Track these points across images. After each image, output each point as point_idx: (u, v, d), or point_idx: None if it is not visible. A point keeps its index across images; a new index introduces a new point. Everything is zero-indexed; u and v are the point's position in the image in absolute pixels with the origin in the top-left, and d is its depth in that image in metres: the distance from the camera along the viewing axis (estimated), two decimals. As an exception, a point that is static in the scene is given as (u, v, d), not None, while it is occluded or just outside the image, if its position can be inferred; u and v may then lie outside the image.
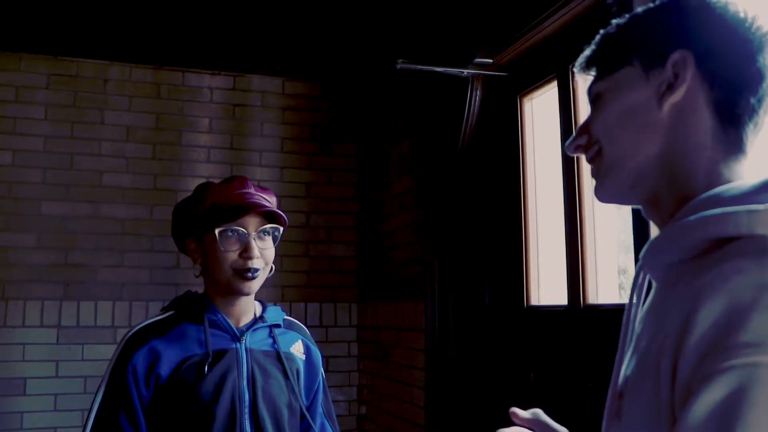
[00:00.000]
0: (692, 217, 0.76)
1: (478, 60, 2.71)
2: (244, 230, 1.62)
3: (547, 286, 2.59)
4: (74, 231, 3.70)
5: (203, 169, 3.92)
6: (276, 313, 1.79)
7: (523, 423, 1.10)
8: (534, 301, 2.61)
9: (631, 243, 2.03)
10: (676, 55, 0.83)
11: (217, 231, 1.60)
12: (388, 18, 3.32)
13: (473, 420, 2.75)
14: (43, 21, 3.44)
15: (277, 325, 1.77)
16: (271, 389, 1.66)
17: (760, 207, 0.71)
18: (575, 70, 0.98)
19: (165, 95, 3.93)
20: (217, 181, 1.76)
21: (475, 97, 2.76)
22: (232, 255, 1.62)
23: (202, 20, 3.45)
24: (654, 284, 0.86)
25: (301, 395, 1.74)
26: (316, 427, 1.78)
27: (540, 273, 2.62)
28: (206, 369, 1.59)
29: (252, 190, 1.70)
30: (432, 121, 3.16)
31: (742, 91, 0.82)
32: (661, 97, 0.84)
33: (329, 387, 1.92)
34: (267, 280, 1.69)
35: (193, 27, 3.53)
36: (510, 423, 1.12)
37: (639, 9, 0.92)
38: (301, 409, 1.72)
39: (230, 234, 1.62)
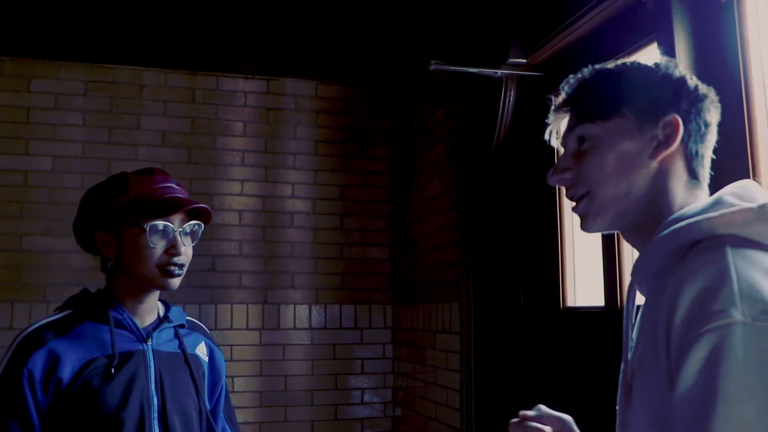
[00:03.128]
0: (665, 232, 0.97)
1: (512, 60, 2.69)
2: (172, 226, 1.56)
3: (583, 288, 2.57)
4: (112, 235, 3.75)
5: (238, 173, 3.96)
6: (179, 314, 1.72)
7: (533, 420, 1.31)
8: (570, 302, 2.59)
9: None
10: (669, 119, 1.03)
11: (147, 225, 1.53)
12: (420, 19, 3.32)
13: (509, 422, 2.73)
14: (80, 29, 3.50)
15: (182, 326, 1.70)
16: (179, 392, 1.59)
17: (714, 214, 0.93)
18: (556, 105, 1.16)
19: (200, 100, 3.98)
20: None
21: (509, 98, 2.74)
22: (158, 251, 1.55)
23: (235, 25, 3.48)
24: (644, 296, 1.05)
25: (205, 398, 1.68)
26: (218, 430, 1.72)
27: (576, 274, 2.59)
28: (113, 372, 1.49)
29: (175, 185, 1.63)
30: (466, 123, 3.14)
31: (705, 141, 1.07)
32: (654, 151, 1.03)
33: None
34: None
35: (226, 32, 3.57)
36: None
37: (628, 63, 1.12)
38: (206, 412, 1.66)
39: (159, 229, 1.55)
